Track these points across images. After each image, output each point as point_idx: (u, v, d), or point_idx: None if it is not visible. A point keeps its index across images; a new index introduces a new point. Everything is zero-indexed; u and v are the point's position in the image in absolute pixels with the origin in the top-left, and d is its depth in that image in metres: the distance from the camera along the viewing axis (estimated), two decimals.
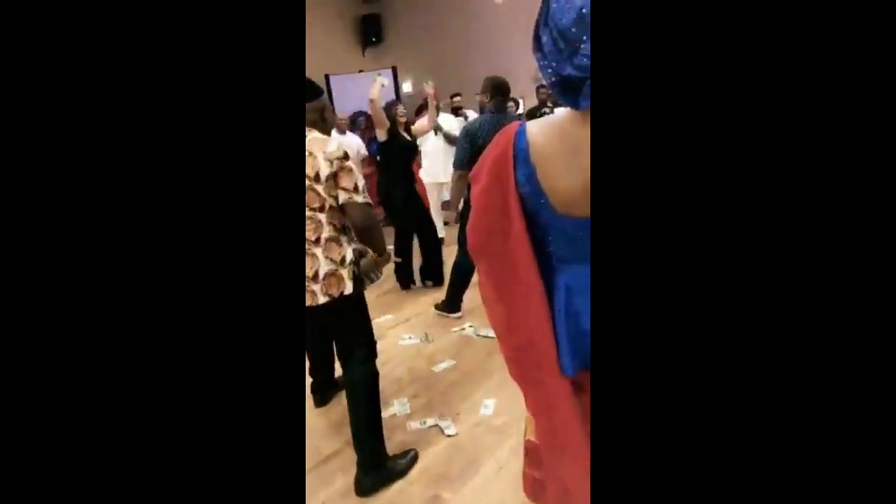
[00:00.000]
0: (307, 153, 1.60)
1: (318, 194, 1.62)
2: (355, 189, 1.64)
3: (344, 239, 1.70)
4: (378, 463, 1.81)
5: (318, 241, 1.65)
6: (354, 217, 1.64)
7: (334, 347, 2.07)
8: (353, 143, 4.91)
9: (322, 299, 1.66)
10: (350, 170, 1.63)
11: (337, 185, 1.61)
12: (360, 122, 5.69)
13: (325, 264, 1.66)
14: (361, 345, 1.82)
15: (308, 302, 1.66)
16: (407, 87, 7.15)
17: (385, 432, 2.07)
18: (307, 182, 1.60)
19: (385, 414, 2.23)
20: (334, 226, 1.67)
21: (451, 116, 4.58)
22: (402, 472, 1.86)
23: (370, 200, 1.67)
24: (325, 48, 6.92)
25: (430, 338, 2.94)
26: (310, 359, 2.29)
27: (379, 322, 3.21)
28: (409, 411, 2.24)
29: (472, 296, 3.46)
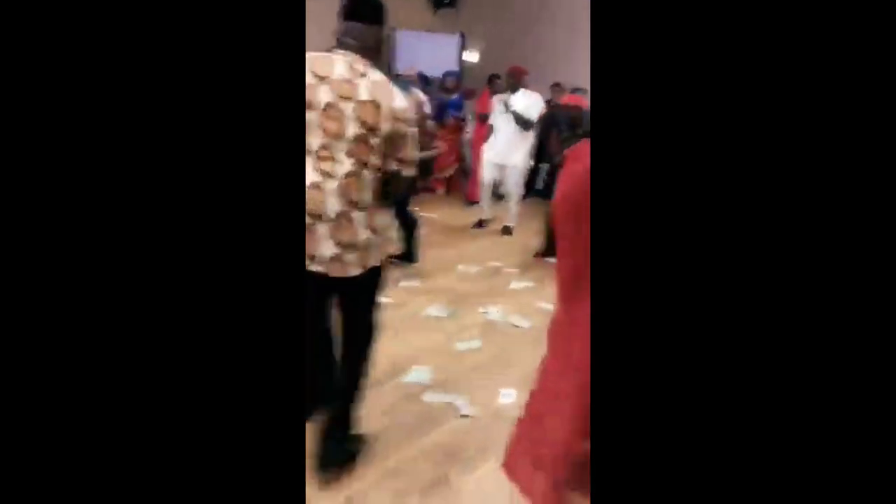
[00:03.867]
0: (371, 99, 1.36)
1: (371, 148, 1.39)
2: (410, 162, 1.47)
3: (381, 203, 1.51)
4: (348, 425, 1.66)
5: (359, 204, 1.43)
6: (396, 186, 1.50)
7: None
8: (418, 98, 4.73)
9: (354, 271, 1.46)
10: (413, 137, 1.46)
11: (392, 153, 1.43)
12: (448, 82, 5.38)
13: (364, 233, 1.45)
14: (371, 306, 1.64)
15: (337, 273, 1.45)
16: (471, 55, 6.97)
17: (400, 398, 2.06)
18: (360, 131, 1.37)
19: (404, 379, 2.20)
20: (374, 188, 1.46)
21: (522, 95, 4.28)
22: (354, 456, 1.69)
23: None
24: (395, 2, 6.77)
25: (456, 314, 2.88)
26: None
27: (404, 286, 3.17)
28: (426, 382, 2.20)
29: (498, 281, 3.39)
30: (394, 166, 1.45)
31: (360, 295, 1.59)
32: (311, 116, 1.35)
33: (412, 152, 1.47)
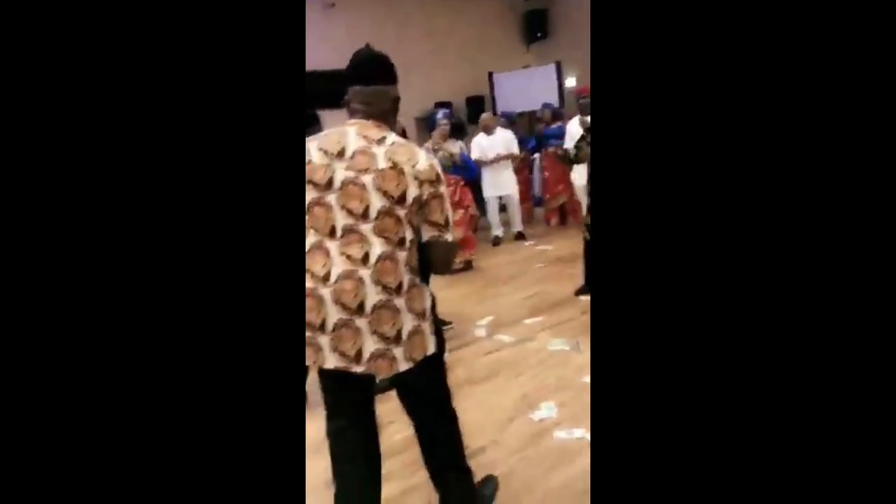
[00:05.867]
0: (390, 163, 1.22)
1: (399, 222, 1.23)
2: (446, 224, 1.28)
3: (420, 281, 1.32)
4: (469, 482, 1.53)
5: (399, 288, 1.25)
6: (439, 257, 1.31)
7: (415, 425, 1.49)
8: (507, 137, 5.03)
9: (403, 366, 1.28)
10: (443, 197, 1.27)
11: (425, 218, 1.26)
12: (544, 115, 5.70)
13: (410, 320, 1.28)
14: (443, 417, 1.46)
15: (385, 372, 1.28)
16: (571, 81, 6.98)
17: (531, 435, 2.08)
18: (385, 204, 1.22)
19: (533, 417, 2.22)
20: (411, 266, 1.28)
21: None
22: (489, 500, 1.69)
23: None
24: (489, 46, 7.02)
25: (581, 346, 2.85)
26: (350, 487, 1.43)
27: (528, 323, 3.20)
28: (556, 417, 2.20)
29: None
30: (430, 233, 1.28)
31: (420, 394, 1.43)
32: (329, 198, 1.23)
33: (445, 214, 1.28)
